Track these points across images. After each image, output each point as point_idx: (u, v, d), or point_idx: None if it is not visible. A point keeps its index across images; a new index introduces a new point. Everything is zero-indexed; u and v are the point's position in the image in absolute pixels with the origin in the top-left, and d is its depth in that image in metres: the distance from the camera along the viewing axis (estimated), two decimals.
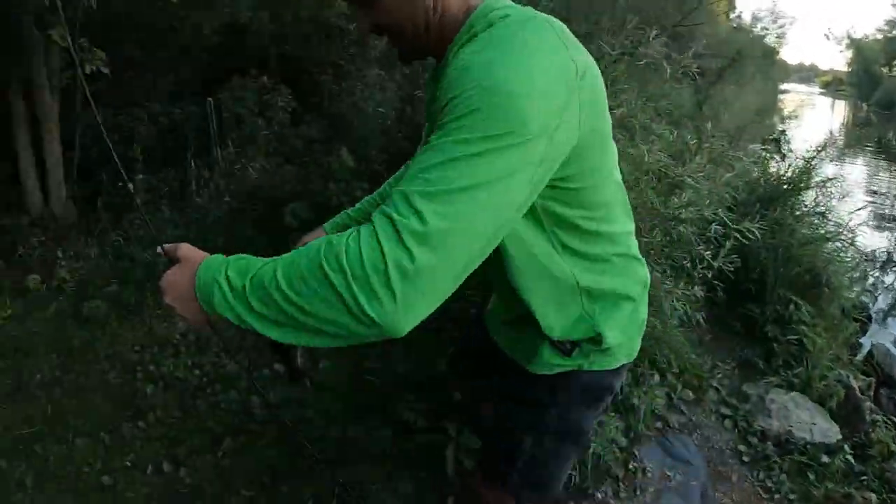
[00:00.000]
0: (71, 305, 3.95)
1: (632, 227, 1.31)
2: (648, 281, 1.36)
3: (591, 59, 1.05)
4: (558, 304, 1.21)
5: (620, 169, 1.26)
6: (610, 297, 1.24)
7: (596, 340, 1.24)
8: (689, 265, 3.13)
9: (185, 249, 1.03)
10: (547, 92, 0.89)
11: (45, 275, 4.23)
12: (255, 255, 0.93)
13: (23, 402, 3.47)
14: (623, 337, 1.27)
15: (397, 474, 2.95)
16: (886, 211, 9.24)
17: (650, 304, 1.44)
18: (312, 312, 0.84)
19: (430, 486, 2.89)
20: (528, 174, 0.89)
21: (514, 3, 1.06)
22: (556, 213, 1.10)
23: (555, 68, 0.92)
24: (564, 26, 1.02)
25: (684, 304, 2.95)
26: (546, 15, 1.00)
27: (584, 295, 1.20)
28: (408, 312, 0.82)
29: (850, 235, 4.40)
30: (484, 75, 0.87)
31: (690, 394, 3.54)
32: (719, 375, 3.80)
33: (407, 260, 0.80)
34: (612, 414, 2.72)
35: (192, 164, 4.85)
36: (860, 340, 4.65)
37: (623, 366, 1.33)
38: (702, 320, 3.37)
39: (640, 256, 1.33)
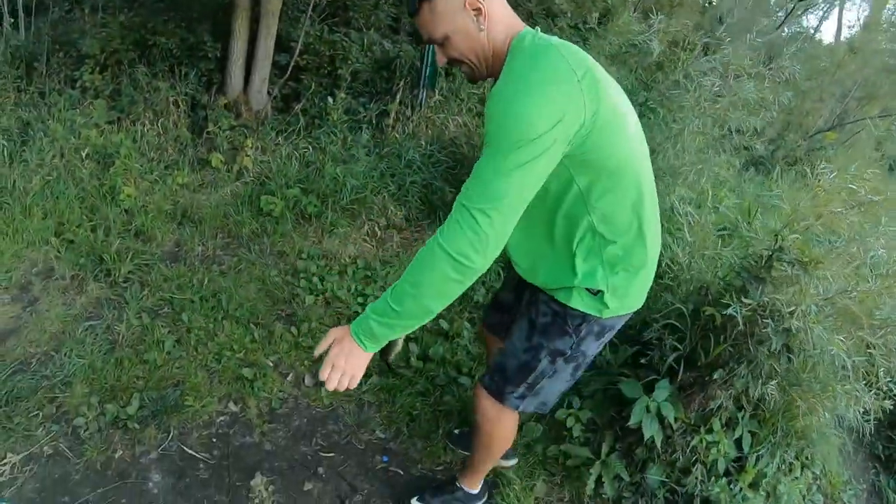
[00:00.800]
0: (248, 194, 3.77)
1: (647, 200, 1.55)
2: (652, 255, 1.62)
3: (592, 64, 1.38)
4: (588, 252, 1.55)
5: None
6: (620, 260, 1.56)
7: (612, 291, 1.57)
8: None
9: (331, 332, 1.54)
10: (547, 106, 1.28)
11: (228, 158, 4.08)
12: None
13: (179, 268, 3.26)
14: (629, 293, 1.60)
15: (529, 474, 2.48)
16: None
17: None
18: (427, 283, 1.36)
19: (562, 496, 2.44)
20: (541, 158, 1.30)
21: (537, 32, 1.44)
22: (580, 169, 1.44)
23: (555, 89, 1.30)
24: (570, 46, 1.39)
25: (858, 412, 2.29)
26: (557, 41, 1.39)
27: (600, 246, 1.54)
28: (489, 255, 1.34)
29: None
30: (502, 106, 1.30)
31: (821, 498, 2.86)
32: (850, 492, 3.06)
33: (483, 230, 1.31)
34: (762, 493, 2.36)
35: (397, 100, 4.61)
36: None
37: (629, 313, 1.67)
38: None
39: (647, 231, 1.57)
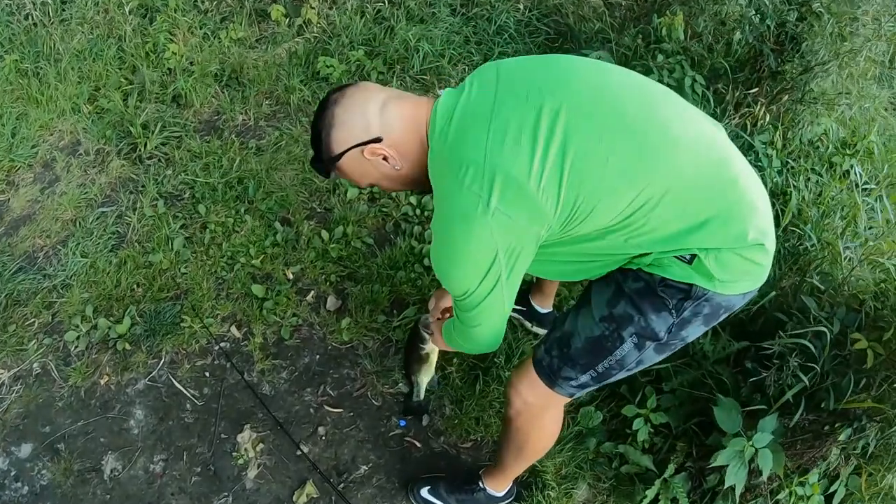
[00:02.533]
0: (306, 53, 3.08)
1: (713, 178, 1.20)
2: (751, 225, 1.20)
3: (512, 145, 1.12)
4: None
5: None
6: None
7: (714, 258, 1.18)
8: None
9: (436, 324, 1.71)
10: (470, 266, 1.18)
11: (291, 10, 3.34)
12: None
13: (212, 142, 2.76)
14: (736, 266, 1.20)
15: (573, 473, 1.90)
16: None
17: None
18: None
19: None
20: (496, 290, 1.20)
21: (436, 123, 1.21)
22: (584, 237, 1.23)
23: (472, 246, 1.15)
24: (467, 135, 1.16)
25: None
26: (453, 133, 1.18)
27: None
28: (487, 346, 1.38)
29: None
30: (437, 266, 1.26)
31: None
32: None
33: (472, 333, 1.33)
34: None
35: None
36: None
37: (751, 291, 1.28)
38: None
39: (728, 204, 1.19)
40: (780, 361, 1.77)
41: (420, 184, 1.31)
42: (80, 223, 2.48)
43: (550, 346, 1.40)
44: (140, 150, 2.71)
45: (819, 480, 1.71)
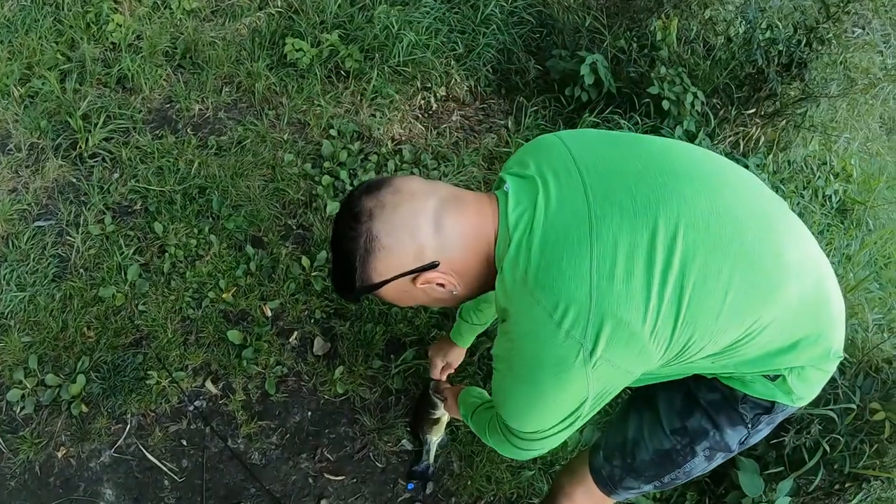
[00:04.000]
0: (271, 33, 2.61)
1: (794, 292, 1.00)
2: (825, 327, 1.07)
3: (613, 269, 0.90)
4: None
5: None
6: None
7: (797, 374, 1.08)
8: None
9: (450, 391, 1.64)
10: (557, 409, 1.01)
11: None
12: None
13: (165, 139, 2.38)
14: (813, 377, 1.10)
15: None
16: None
17: None
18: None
19: None
20: (575, 426, 1.05)
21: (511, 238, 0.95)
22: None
23: (565, 398, 0.98)
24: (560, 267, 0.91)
25: None
26: (535, 260, 0.93)
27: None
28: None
29: None
30: (508, 407, 1.09)
31: None
32: None
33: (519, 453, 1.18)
34: None
35: None
36: None
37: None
38: None
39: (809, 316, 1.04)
40: (800, 425, 1.79)
41: (474, 294, 1.10)
42: (12, 242, 2.09)
43: (611, 453, 1.28)
44: (81, 146, 2.30)
45: None
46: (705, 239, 0.92)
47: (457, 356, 1.78)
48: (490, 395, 1.33)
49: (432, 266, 0.97)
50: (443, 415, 1.77)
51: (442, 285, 1.01)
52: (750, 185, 1.05)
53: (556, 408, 1.01)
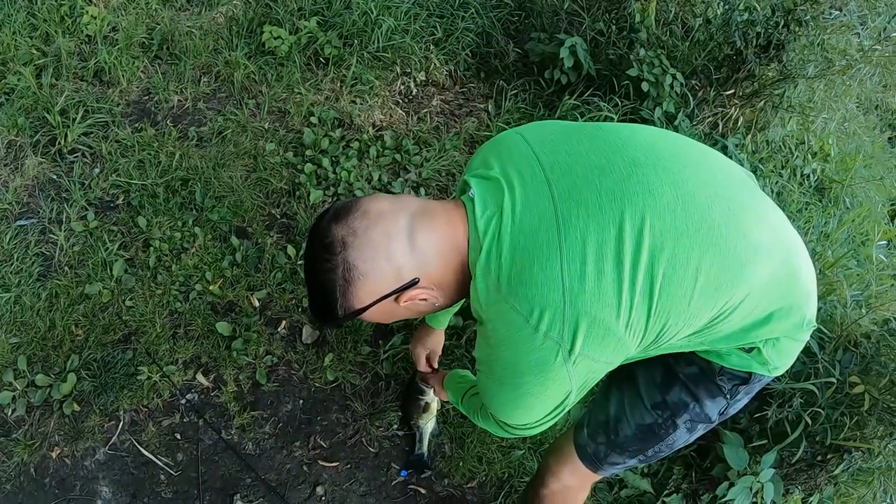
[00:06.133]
0: (248, 21, 2.58)
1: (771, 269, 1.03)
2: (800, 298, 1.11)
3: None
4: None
5: None
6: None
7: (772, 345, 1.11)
8: None
9: (434, 378, 1.73)
10: (543, 404, 1.05)
11: None
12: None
13: (145, 131, 2.37)
14: (788, 348, 1.15)
15: None
16: None
17: None
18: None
19: None
20: (561, 415, 1.09)
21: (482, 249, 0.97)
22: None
23: (550, 394, 1.01)
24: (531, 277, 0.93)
25: None
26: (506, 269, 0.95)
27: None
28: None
29: None
30: (496, 406, 1.12)
31: None
32: None
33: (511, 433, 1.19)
34: None
35: None
36: None
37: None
38: None
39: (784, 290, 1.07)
40: (782, 399, 1.89)
41: (458, 300, 1.13)
42: None
43: (594, 430, 1.32)
44: (60, 142, 2.28)
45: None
46: (672, 228, 0.94)
47: (437, 341, 1.78)
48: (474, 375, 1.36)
49: (413, 283, 0.99)
50: (432, 400, 1.80)
51: (424, 299, 1.03)
52: (715, 168, 1.07)
53: (541, 404, 1.05)
